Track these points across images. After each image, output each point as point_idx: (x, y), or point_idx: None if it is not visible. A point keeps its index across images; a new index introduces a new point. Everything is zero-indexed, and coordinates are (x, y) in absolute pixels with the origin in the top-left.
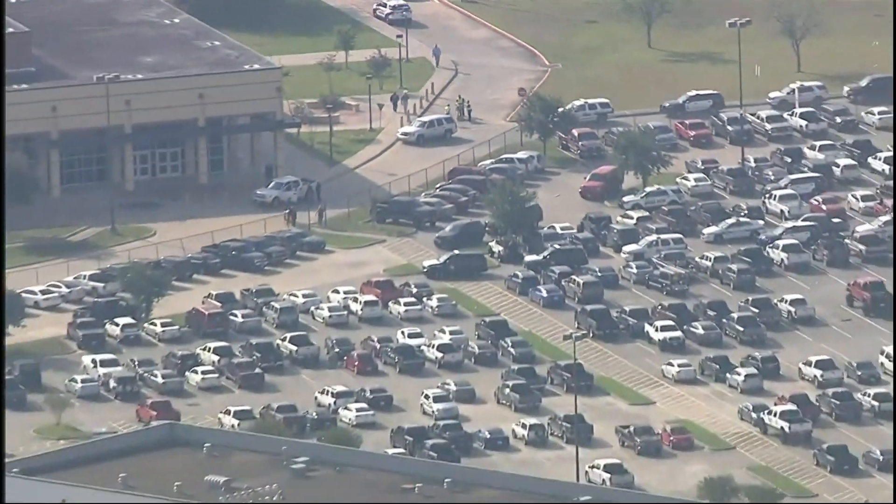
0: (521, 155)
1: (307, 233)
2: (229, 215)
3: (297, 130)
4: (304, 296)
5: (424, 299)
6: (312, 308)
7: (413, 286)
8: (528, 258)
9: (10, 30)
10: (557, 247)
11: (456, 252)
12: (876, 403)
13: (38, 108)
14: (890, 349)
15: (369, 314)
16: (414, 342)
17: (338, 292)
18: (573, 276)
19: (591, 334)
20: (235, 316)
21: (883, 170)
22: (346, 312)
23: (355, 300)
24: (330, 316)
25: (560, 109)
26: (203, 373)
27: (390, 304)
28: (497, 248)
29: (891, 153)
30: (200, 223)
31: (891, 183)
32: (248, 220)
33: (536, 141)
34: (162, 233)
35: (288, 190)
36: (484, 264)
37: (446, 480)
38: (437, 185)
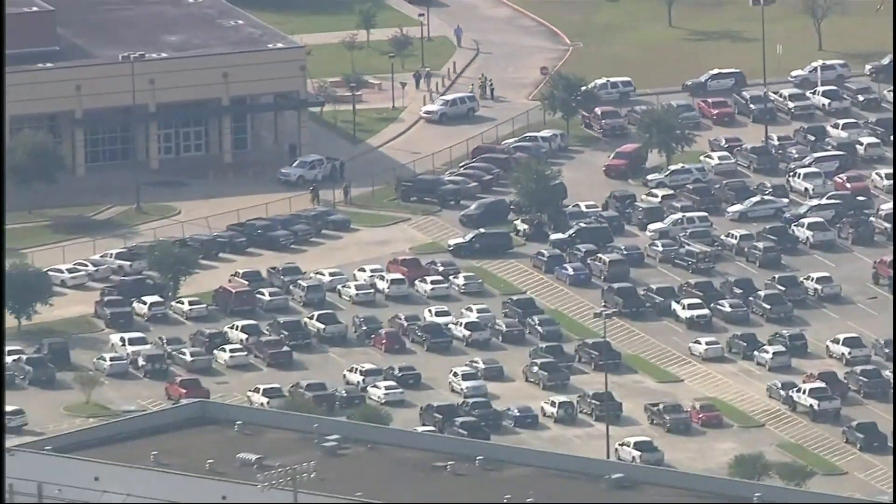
0: (545, 133)
1: (332, 211)
2: (254, 194)
3: (321, 109)
4: (330, 274)
5: (451, 277)
6: (339, 286)
7: (439, 264)
8: (554, 236)
9: (35, 8)
10: (583, 225)
11: (481, 230)
12: None
13: (62, 86)
14: None
15: (396, 292)
16: (441, 320)
17: (364, 270)
18: (599, 255)
19: (618, 312)
20: (262, 294)
21: None
22: (372, 290)
23: (382, 278)
24: (357, 294)
25: (583, 88)
26: (231, 351)
27: (417, 282)
28: (522, 227)
29: None
30: (225, 202)
31: None
32: (273, 199)
33: (559, 119)
34: (187, 211)
35: (312, 168)
36: (509, 242)
37: (478, 458)
38: (461, 164)
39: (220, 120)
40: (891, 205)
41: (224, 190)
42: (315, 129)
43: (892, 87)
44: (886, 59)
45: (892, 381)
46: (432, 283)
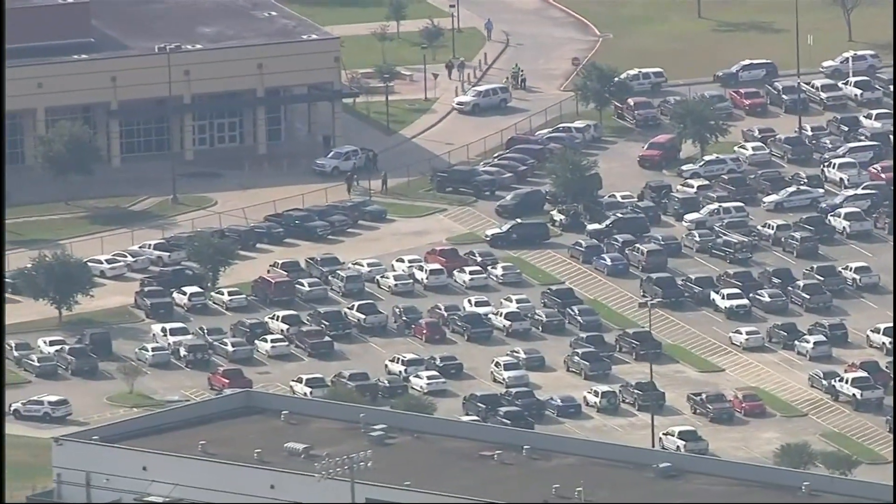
0: (578, 124)
1: (368, 202)
2: (289, 184)
3: (353, 100)
4: (368, 264)
5: (489, 268)
6: (378, 277)
7: (477, 255)
8: (591, 227)
9: (70, 0)
10: (619, 215)
11: (518, 221)
12: None
13: (97, 78)
14: None
15: (435, 283)
16: (481, 310)
17: (402, 261)
18: (636, 245)
19: (659, 302)
20: (302, 284)
21: None
22: (411, 281)
23: (420, 269)
24: (396, 284)
25: (616, 79)
26: (272, 341)
27: (455, 272)
28: (559, 217)
29: None
30: (261, 192)
31: None
32: (309, 190)
33: (592, 110)
34: (223, 202)
35: (347, 159)
36: (546, 233)
37: (524, 447)
38: (496, 155)
39: (254, 111)
40: None
41: (259, 181)
42: (348, 121)
43: None
44: None
45: None
46: (471, 273)
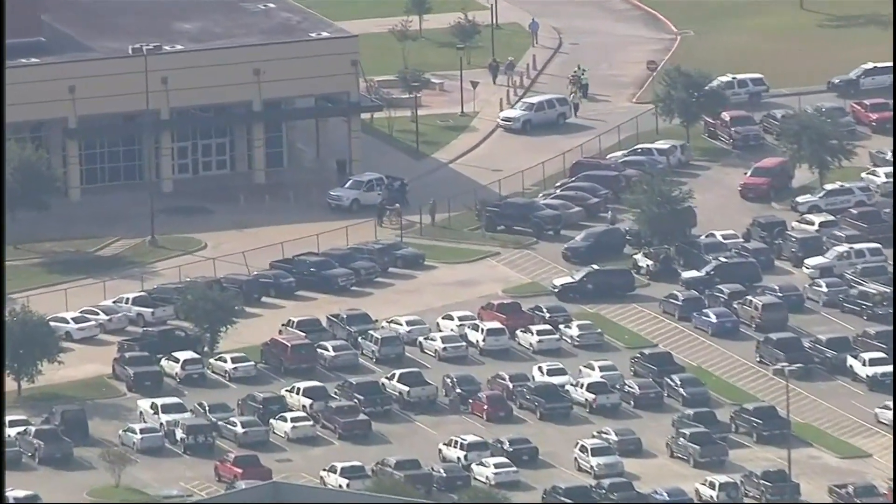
0: (661, 144)
1: (400, 244)
2: (298, 222)
3: (371, 116)
4: (408, 323)
5: (561, 327)
6: (420, 338)
7: (545, 310)
8: (687, 275)
9: None
10: (723, 260)
11: (595, 267)
12: None
13: (52, 87)
14: None
15: (493, 345)
16: (556, 380)
17: (451, 318)
18: (748, 297)
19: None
20: (325, 349)
21: None
22: (464, 344)
23: (475, 328)
24: (444, 348)
25: (706, 87)
26: (293, 420)
27: (518, 332)
28: (645, 262)
29: None
30: (263, 232)
31: None
32: (325, 229)
33: (677, 127)
34: (215, 245)
35: (370, 190)
36: (630, 282)
37: None
38: (559, 184)
39: (249, 129)
40: None
41: (259, 218)
42: (367, 142)
43: None
44: None
45: None
46: (539, 333)
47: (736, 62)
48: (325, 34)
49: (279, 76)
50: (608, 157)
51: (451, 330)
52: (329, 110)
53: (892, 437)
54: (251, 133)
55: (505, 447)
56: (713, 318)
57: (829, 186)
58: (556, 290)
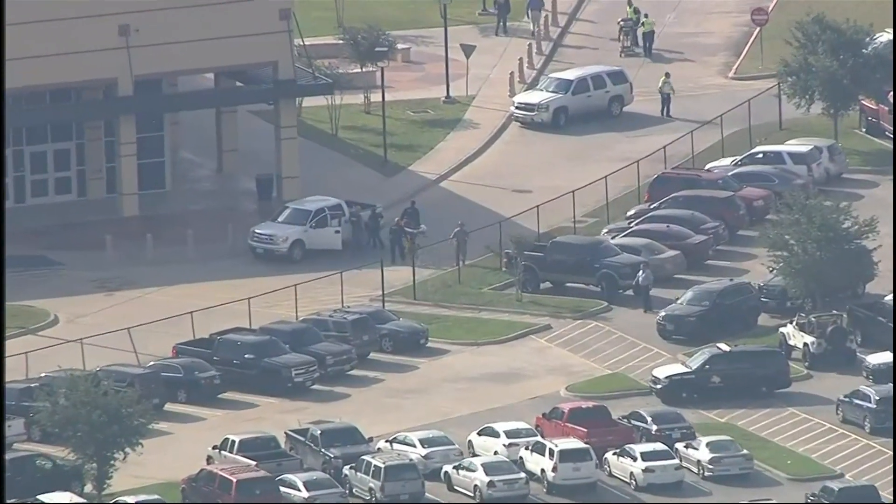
0: (795, 146)
1: (388, 315)
2: (207, 279)
3: (299, 104)
4: (424, 442)
5: (681, 446)
6: (448, 468)
7: (649, 418)
8: (874, 359)
9: None
10: None
11: (722, 349)
12: None
13: None
14: None
15: (572, 478)
16: None
17: (493, 434)
18: None
19: None
20: (293, 486)
21: None
22: (522, 476)
23: (539, 449)
24: (490, 482)
25: (866, 51)
26: None
27: (609, 456)
28: (801, 339)
29: None
30: (149, 298)
31: None
32: (255, 287)
33: (814, 116)
34: (70, 317)
35: (321, 225)
36: (783, 372)
37: None
38: (633, 211)
39: (111, 127)
40: None
41: (140, 273)
42: (301, 146)
43: None
44: None
45: None
46: (645, 458)
47: (864, 9)
48: None
49: (160, 38)
50: (708, 166)
51: (498, 452)
52: (243, 94)
53: None
54: (115, 134)
55: None
56: None
57: None
58: (660, 387)
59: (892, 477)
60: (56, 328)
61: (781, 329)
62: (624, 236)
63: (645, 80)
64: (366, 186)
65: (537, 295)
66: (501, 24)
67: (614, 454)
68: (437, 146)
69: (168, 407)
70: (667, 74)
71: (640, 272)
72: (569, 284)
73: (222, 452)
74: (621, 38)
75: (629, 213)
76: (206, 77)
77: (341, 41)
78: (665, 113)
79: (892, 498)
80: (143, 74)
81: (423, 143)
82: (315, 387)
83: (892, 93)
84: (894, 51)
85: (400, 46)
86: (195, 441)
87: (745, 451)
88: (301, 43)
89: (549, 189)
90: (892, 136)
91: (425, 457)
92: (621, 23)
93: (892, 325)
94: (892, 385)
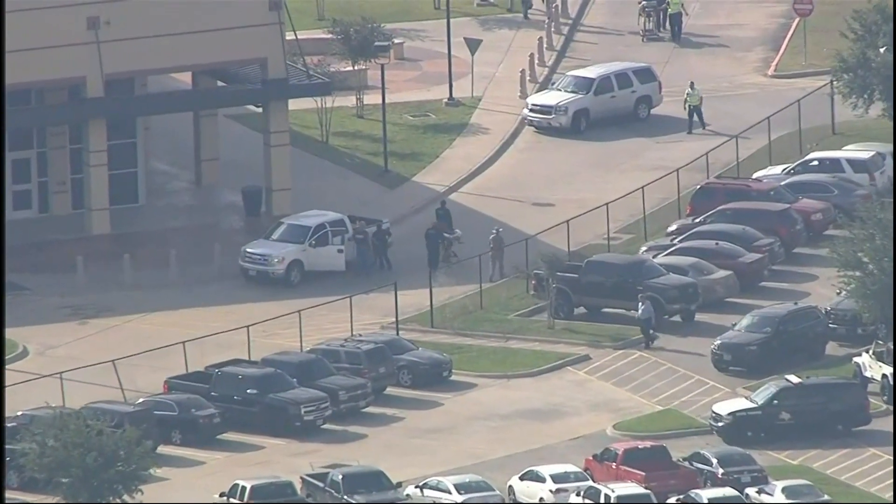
0: (856, 153)
1: (406, 344)
2: (194, 304)
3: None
4: (459, 488)
5: (752, 491)
6: None
7: (714, 460)
8: None
9: None
10: None
11: (791, 381)
12: None
13: None
14: None
15: None
16: None
17: (538, 478)
18: None
19: None
20: None
21: None
22: None
23: (592, 494)
24: None
25: None
26: None
27: (671, 503)
28: (878, 370)
29: None
30: (129, 326)
31: None
32: (248, 314)
33: (875, 120)
34: (40, 348)
35: (322, 244)
36: (861, 407)
37: None
38: (675, 227)
39: (77, 133)
40: None
41: (114, 298)
42: (285, 152)
43: None
44: None
45: None
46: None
47: None
48: None
49: (134, 32)
50: (756, 175)
51: (544, 499)
52: (229, 96)
53: None
54: (82, 141)
55: None
56: None
57: None
58: (722, 425)
59: None
60: (26, 360)
61: (856, 359)
62: (667, 254)
63: (674, 76)
64: (365, 200)
65: (571, 321)
66: (525, 11)
67: (677, 500)
68: (442, 154)
69: (161, 449)
70: (692, 85)
71: (640, 304)
72: (606, 310)
73: (231, 500)
74: (644, 20)
75: (671, 229)
76: (176, 77)
77: (330, 35)
78: (694, 127)
79: None
80: (114, 73)
81: (426, 150)
82: (326, 426)
83: None
84: (894, 55)
85: (396, 40)
86: (193, 488)
87: (826, 497)
88: (294, 37)
89: (574, 202)
90: None
91: None
92: (643, 3)
93: None
94: None
